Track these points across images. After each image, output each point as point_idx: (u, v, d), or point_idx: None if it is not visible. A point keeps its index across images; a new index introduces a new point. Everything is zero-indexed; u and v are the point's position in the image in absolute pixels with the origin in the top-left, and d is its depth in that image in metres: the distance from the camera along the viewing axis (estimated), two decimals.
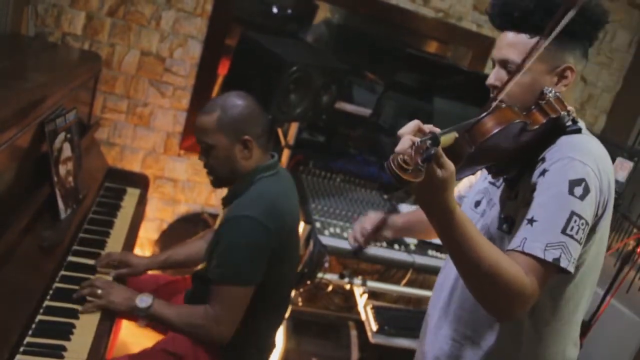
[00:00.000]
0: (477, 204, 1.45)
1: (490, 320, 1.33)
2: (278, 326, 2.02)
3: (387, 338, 2.52)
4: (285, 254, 1.84)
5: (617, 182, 2.49)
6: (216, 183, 1.90)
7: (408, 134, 1.10)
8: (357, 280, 2.57)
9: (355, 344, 2.75)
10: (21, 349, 1.45)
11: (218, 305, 1.74)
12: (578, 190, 1.16)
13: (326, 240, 2.40)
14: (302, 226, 2.42)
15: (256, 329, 1.86)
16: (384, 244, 2.50)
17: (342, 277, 2.55)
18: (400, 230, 1.83)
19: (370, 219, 1.76)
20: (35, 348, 1.47)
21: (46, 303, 1.64)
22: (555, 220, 1.15)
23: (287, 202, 1.89)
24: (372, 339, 2.51)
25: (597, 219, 1.23)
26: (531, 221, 1.17)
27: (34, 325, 1.54)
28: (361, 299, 2.66)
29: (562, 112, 1.23)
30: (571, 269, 1.15)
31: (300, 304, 2.81)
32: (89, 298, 1.70)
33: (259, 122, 1.83)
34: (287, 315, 2.43)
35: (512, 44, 1.26)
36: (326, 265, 2.40)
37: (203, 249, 2.04)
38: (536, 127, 1.21)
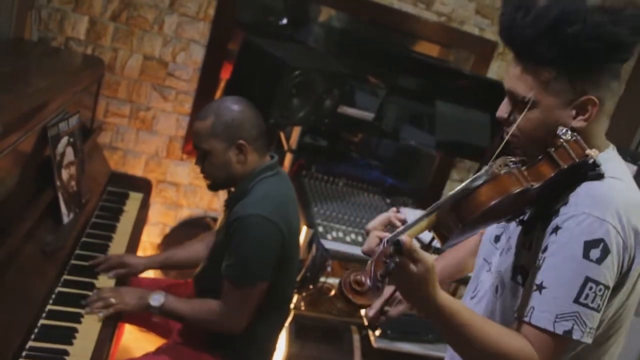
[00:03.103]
0: (497, 238, 1.31)
1: None
2: (279, 329, 2.01)
3: (389, 342, 2.51)
4: (290, 252, 1.85)
5: None
6: (213, 187, 1.90)
7: (375, 229, 1.03)
8: None
9: (357, 348, 2.74)
10: (24, 353, 1.45)
11: (231, 301, 1.76)
12: (595, 253, 1.02)
13: (329, 244, 2.40)
14: (304, 230, 2.42)
15: (258, 331, 1.86)
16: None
17: None
18: None
19: (377, 301, 1.59)
20: (38, 352, 1.47)
21: (49, 307, 1.64)
22: (567, 288, 1.03)
23: (291, 202, 1.90)
24: (374, 343, 2.51)
25: (622, 276, 1.09)
26: (540, 287, 1.05)
27: (36, 330, 1.54)
28: None
29: (578, 160, 1.05)
30: (587, 339, 1.05)
31: (302, 308, 2.81)
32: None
33: (253, 125, 1.83)
34: (289, 319, 2.43)
35: (518, 74, 1.12)
36: (329, 269, 2.40)
37: (202, 252, 2.06)
38: (542, 182, 1.06)
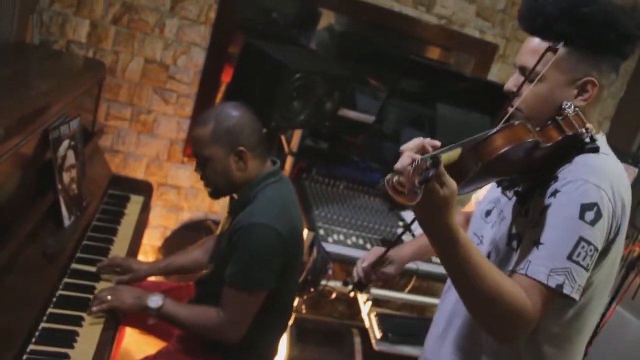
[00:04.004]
0: (488, 213, 1.41)
1: (491, 346, 1.31)
2: (281, 334, 2.01)
3: (391, 346, 2.51)
4: (294, 259, 1.85)
5: None
6: (214, 195, 1.90)
7: (410, 150, 1.09)
8: None
9: (359, 351, 2.74)
10: (25, 357, 1.44)
11: (231, 309, 1.76)
12: (589, 216, 1.12)
13: (330, 247, 2.40)
14: (305, 233, 2.42)
15: (260, 336, 1.86)
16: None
17: (346, 284, 2.54)
18: (410, 259, 1.76)
19: (370, 254, 1.71)
20: (39, 356, 1.47)
21: (50, 311, 1.64)
22: (562, 246, 1.12)
23: (295, 208, 1.90)
24: (376, 346, 2.50)
25: (609, 243, 1.19)
26: (538, 244, 1.14)
27: (37, 333, 1.54)
28: (365, 307, 2.65)
29: (580, 130, 1.17)
30: (575, 295, 1.12)
31: (304, 311, 2.81)
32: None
33: (254, 132, 1.82)
34: (291, 323, 2.43)
35: (534, 50, 1.21)
36: (330, 272, 2.40)
37: (203, 257, 2.05)
38: (550, 144, 1.16)
